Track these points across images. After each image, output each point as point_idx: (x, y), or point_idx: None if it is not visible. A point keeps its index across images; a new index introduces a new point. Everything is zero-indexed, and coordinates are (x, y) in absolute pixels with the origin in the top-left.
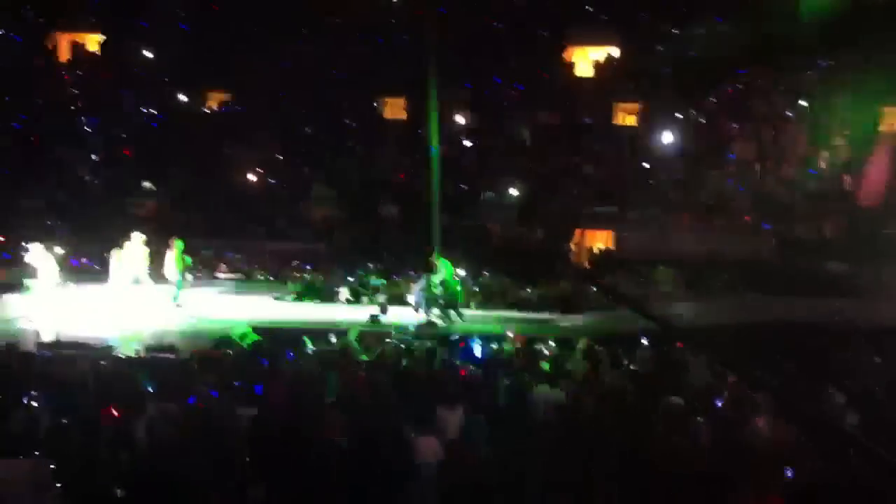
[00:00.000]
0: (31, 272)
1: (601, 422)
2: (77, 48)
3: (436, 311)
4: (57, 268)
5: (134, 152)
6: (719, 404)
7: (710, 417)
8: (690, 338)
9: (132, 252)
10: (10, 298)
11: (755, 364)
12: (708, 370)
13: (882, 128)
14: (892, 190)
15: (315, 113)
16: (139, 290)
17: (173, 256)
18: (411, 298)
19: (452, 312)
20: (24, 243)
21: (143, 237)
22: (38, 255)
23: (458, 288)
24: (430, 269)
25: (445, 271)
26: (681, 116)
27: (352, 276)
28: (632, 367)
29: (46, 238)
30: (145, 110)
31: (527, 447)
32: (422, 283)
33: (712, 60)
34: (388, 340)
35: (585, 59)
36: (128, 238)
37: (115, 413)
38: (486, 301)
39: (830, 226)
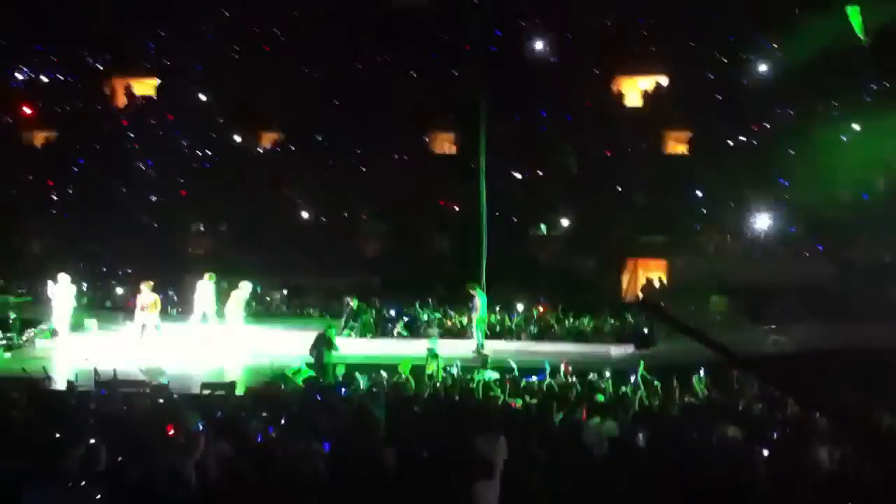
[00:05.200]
0: (51, 308)
1: (657, 454)
2: (133, 92)
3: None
4: (73, 302)
5: (190, 193)
6: (777, 434)
7: (768, 446)
8: (754, 367)
9: (200, 291)
10: (70, 338)
11: (816, 391)
12: (765, 399)
13: None
14: None
15: (366, 149)
16: (202, 328)
17: (240, 297)
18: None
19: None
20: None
21: (212, 276)
22: (59, 289)
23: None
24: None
25: (481, 303)
26: (732, 143)
27: (403, 310)
28: (687, 398)
29: (106, 279)
30: (200, 152)
31: (581, 481)
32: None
33: (764, 86)
34: (441, 374)
35: (634, 88)
36: (195, 277)
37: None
38: (541, 333)
39: (889, 249)
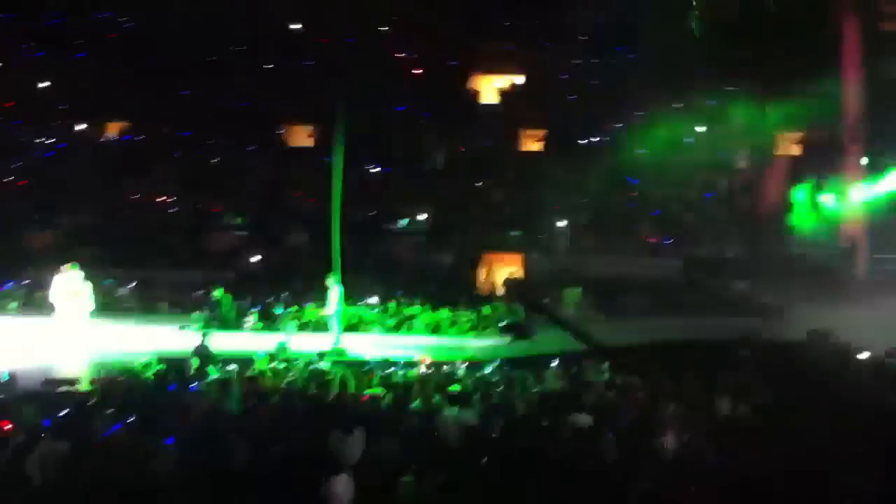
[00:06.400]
0: None
1: (511, 443)
2: None
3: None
4: None
5: (28, 184)
6: (625, 420)
7: (616, 432)
8: (617, 357)
9: (57, 284)
10: None
11: (662, 380)
12: (615, 387)
13: (777, 152)
14: (786, 211)
15: (219, 141)
16: (52, 321)
17: (77, 286)
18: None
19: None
20: None
21: (73, 266)
22: None
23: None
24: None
25: (339, 296)
26: (584, 142)
27: (258, 304)
28: (540, 388)
29: None
30: (39, 140)
31: (436, 470)
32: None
33: (615, 88)
34: (295, 368)
35: (491, 87)
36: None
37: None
38: (399, 326)
39: (731, 246)
